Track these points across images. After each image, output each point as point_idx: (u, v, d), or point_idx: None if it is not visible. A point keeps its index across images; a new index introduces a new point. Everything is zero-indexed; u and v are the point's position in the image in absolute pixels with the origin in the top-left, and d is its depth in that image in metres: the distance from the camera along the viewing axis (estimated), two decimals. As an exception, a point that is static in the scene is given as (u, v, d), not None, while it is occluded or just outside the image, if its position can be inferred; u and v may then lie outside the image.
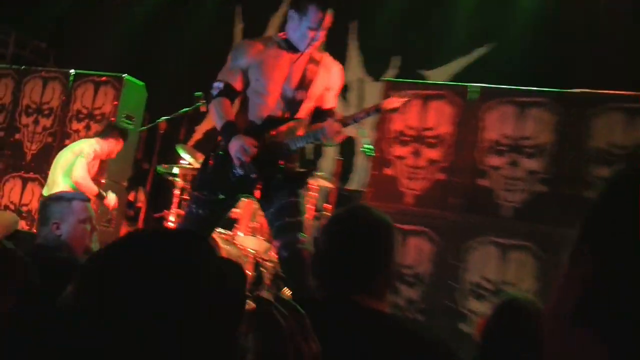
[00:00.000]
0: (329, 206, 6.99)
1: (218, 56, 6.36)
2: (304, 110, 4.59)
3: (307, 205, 7.25)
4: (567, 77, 7.18)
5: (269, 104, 4.50)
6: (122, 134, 7.59)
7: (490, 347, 2.45)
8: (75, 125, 8.62)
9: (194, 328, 1.05)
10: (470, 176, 6.20)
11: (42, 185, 8.00)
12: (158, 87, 10.51)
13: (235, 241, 7.26)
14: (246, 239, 7.13)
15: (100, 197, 7.24)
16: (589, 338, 0.84)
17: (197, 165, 7.12)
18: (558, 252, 5.06)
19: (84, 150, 7.20)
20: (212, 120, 4.62)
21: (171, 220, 7.59)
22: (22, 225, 7.95)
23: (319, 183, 7.32)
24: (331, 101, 4.69)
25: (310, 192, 7.51)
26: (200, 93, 7.26)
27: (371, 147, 6.73)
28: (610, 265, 0.84)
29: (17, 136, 8.91)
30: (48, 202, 3.82)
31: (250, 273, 7.12)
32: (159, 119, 7.79)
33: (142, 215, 8.13)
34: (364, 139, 6.84)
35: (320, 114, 4.60)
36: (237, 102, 4.64)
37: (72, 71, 8.80)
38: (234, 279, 1.14)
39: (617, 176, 0.92)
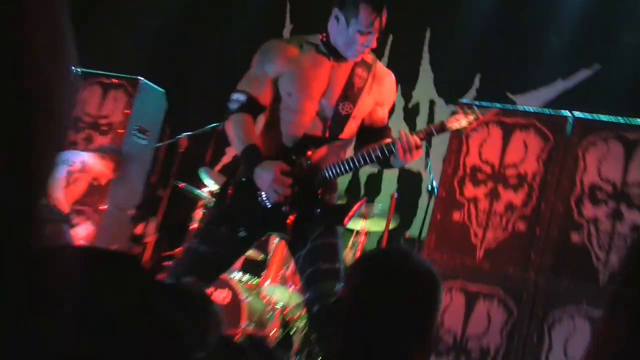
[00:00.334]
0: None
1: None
2: (350, 129, 4.53)
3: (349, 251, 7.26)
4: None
5: (303, 123, 4.44)
6: (118, 159, 7.53)
7: None
8: (72, 137, 8.56)
9: None
10: (560, 229, 6.08)
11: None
12: (182, 96, 10.63)
13: (260, 291, 7.24)
14: (274, 290, 7.10)
15: (65, 222, 7.05)
16: None
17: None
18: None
19: (69, 159, 7.12)
20: (230, 142, 4.55)
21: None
22: None
23: (368, 224, 7.27)
24: (385, 118, 4.66)
25: (358, 237, 7.46)
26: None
27: (435, 184, 6.69)
28: None
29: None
30: None
31: (275, 331, 7.07)
32: (180, 134, 7.83)
33: (148, 253, 8.15)
34: (429, 173, 6.81)
35: (370, 134, 4.55)
36: (261, 118, 4.60)
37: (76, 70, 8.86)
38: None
39: None
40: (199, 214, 7.80)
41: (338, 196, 4.67)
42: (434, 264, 6.17)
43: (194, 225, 7.72)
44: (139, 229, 10.05)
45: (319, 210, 4.38)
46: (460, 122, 4.29)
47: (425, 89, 9.86)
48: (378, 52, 10.12)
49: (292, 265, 6.97)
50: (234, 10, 11.14)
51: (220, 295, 7.18)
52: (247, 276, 7.62)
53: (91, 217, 8.14)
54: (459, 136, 6.36)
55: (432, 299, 2.14)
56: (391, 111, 4.88)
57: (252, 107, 4.46)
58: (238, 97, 4.47)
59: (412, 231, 8.33)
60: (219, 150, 9.66)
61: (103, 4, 11.80)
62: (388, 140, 4.35)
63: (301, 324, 7.09)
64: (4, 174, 0.94)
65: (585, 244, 5.99)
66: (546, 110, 6.69)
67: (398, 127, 4.92)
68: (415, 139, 4.18)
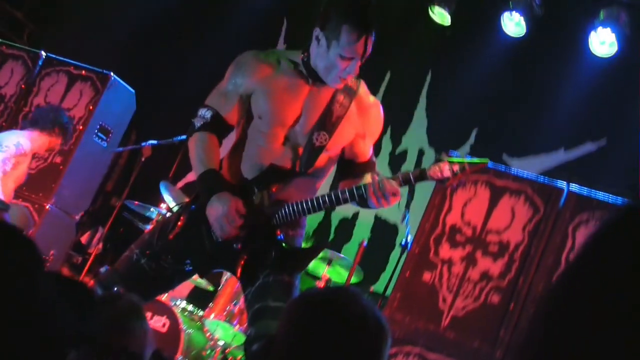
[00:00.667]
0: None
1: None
2: (323, 161, 4.38)
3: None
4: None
5: (272, 150, 4.31)
6: (60, 127, 7.28)
7: None
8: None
9: None
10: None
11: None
12: (154, 101, 10.60)
13: (203, 324, 7.19)
14: (218, 325, 7.04)
15: (3, 211, 6.88)
16: None
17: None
18: None
19: (2, 142, 6.93)
20: (190, 161, 4.40)
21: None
22: None
23: (331, 271, 7.24)
24: (368, 152, 4.47)
25: (317, 282, 7.42)
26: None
27: (410, 238, 6.66)
28: None
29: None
30: None
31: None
32: (145, 142, 7.79)
33: (88, 265, 8.07)
34: (406, 226, 6.77)
35: (351, 169, 4.44)
36: (231, 137, 4.51)
37: (42, 53, 8.76)
38: None
39: None
40: (150, 229, 7.74)
41: (305, 237, 4.58)
42: (394, 325, 6.12)
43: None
44: (84, 238, 9.96)
45: (273, 252, 4.27)
46: (444, 171, 4.00)
47: (416, 135, 9.87)
48: (373, 88, 10.15)
49: (241, 301, 6.91)
50: (225, 20, 11.15)
51: (159, 322, 7.10)
52: (191, 306, 7.56)
53: (32, 215, 8.04)
54: (443, 190, 6.34)
55: (376, 348, 2.09)
56: (377, 147, 4.77)
57: (217, 125, 4.35)
58: (204, 113, 4.36)
59: (378, 286, 8.29)
60: (184, 165, 9.60)
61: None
62: (362, 180, 4.23)
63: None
64: None
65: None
66: (541, 178, 6.68)
67: (381, 172, 4.82)
68: (391, 184, 4.00)
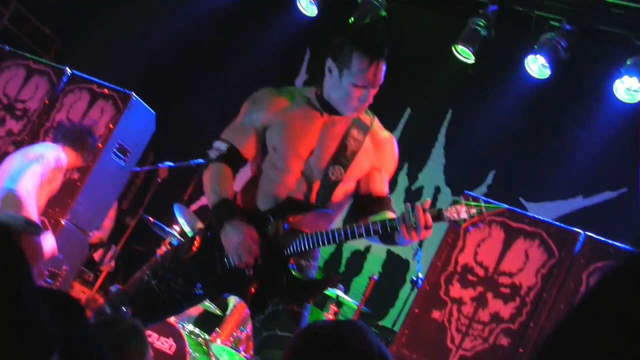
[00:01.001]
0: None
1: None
2: (339, 195, 4.37)
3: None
4: None
5: (287, 183, 4.30)
6: (89, 150, 7.28)
7: None
8: (51, 141, 8.46)
9: None
10: (546, 353, 5.98)
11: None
12: (173, 124, 10.63)
13: (209, 349, 7.16)
14: (223, 351, 7.01)
15: (34, 230, 6.82)
16: None
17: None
18: None
19: (44, 155, 6.95)
20: (205, 192, 4.40)
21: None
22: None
23: (339, 304, 7.20)
24: (384, 187, 4.42)
25: (326, 314, 7.38)
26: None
27: (422, 276, 6.62)
28: None
29: (-33, 133, 8.73)
30: None
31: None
32: (162, 163, 7.79)
33: (99, 281, 8.06)
34: (417, 262, 6.74)
35: (368, 205, 4.39)
36: (246, 172, 4.50)
37: (67, 70, 8.80)
38: None
39: None
40: (162, 251, 7.72)
41: (317, 267, 4.55)
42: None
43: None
44: (97, 255, 9.96)
45: (285, 281, 4.24)
46: (461, 213, 3.95)
47: (433, 173, 9.84)
48: (392, 124, 10.17)
49: (249, 328, 6.88)
50: (248, 48, 11.19)
51: (165, 344, 7.07)
52: (198, 330, 7.54)
53: (47, 228, 8.03)
54: (456, 229, 6.30)
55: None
56: (393, 183, 4.73)
57: (232, 158, 4.35)
58: (219, 145, 4.37)
59: (386, 322, 8.25)
60: (199, 188, 9.60)
61: (117, 7, 11.86)
62: (391, 214, 4.19)
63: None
64: None
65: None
66: (557, 223, 6.63)
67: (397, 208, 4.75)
68: (427, 217, 3.90)
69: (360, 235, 4.06)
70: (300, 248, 4.20)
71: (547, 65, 8.78)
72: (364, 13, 9.36)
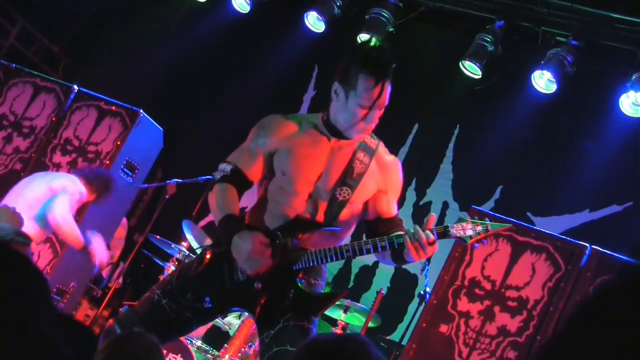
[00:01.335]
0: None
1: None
2: (347, 214, 4.42)
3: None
4: None
5: (295, 205, 4.36)
6: (106, 188, 7.48)
7: None
8: (58, 158, 8.56)
9: None
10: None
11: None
12: (181, 141, 10.68)
13: (217, 366, 7.18)
14: (232, 367, 7.03)
15: (23, 240, 6.96)
16: None
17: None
18: None
19: (68, 188, 7.13)
20: (211, 212, 4.45)
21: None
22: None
23: (348, 318, 7.22)
24: (392, 208, 4.50)
25: (334, 329, 7.40)
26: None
27: (429, 290, 6.64)
28: None
29: (-25, 151, 8.76)
30: None
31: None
32: (170, 180, 7.82)
33: (107, 299, 8.08)
34: (425, 277, 6.76)
35: (379, 226, 4.41)
36: (254, 196, 4.54)
37: (74, 87, 8.84)
38: None
39: None
40: (170, 268, 7.76)
41: (325, 285, 4.58)
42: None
43: (163, 277, 7.66)
44: (105, 272, 9.98)
45: (292, 294, 4.29)
46: (466, 230, 4.07)
47: (441, 188, 9.86)
48: (400, 140, 10.22)
49: (257, 343, 6.89)
50: (257, 65, 11.23)
51: (173, 361, 7.11)
52: (207, 346, 7.55)
53: (55, 246, 8.08)
54: (464, 244, 6.33)
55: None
56: (401, 199, 4.77)
57: (237, 179, 4.39)
58: (224, 167, 4.41)
59: (395, 337, 8.26)
60: (207, 205, 9.62)
61: (125, 25, 11.91)
62: (401, 233, 4.23)
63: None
64: None
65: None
66: (563, 237, 6.67)
67: (405, 223, 4.81)
68: (427, 234, 3.99)
69: (368, 251, 4.12)
70: (309, 263, 4.25)
71: (553, 80, 8.81)
72: (372, 29, 9.44)
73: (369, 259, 9.49)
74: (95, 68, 11.62)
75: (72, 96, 8.74)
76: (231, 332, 7.79)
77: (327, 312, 7.35)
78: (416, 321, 6.54)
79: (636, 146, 8.85)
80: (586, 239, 6.67)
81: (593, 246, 6.36)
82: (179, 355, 7.09)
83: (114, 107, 8.54)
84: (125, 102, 8.66)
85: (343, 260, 9.36)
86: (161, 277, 7.69)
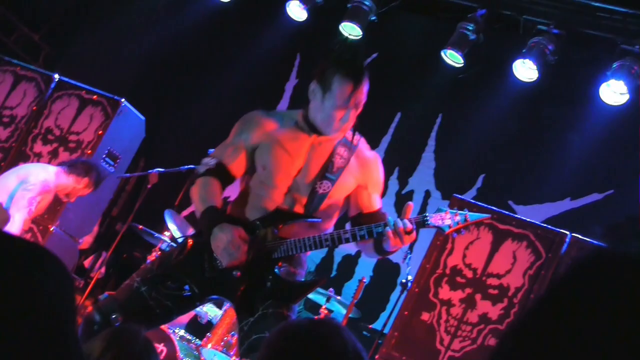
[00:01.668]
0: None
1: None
2: (326, 207, 4.49)
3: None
4: None
5: (275, 198, 4.44)
6: (95, 177, 7.48)
7: None
8: (39, 147, 8.57)
9: None
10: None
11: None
12: (164, 130, 10.67)
13: (200, 354, 7.19)
14: (214, 356, 7.04)
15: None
16: None
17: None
18: None
19: (29, 179, 7.12)
20: (193, 204, 4.53)
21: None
22: None
23: (330, 306, 7.24)
24: (373, 203, 4.55)
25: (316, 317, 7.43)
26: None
27: (411, 278, 6.68)
28: None
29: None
30: None
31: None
32: (152, 169, 7.82)
33: (89, 289, 8.07)
34: (407, 265, 6.81)
35: (363, 221, 4.42)
36: (235, 191, 4.60)
37: (55, 76, 8.83)
38: None
39: None
40: (152, 257, 7.77)
41: (306, 274, 4.63)
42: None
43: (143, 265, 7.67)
44: (87, 262, 9.98)
45: (269, 282, 4.34)
46: (445, 221, 4.16)
47: (423, 177, 9.90)
48: (382, 129, 10.24)
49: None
50: (239, 54, 11.22)
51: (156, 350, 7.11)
52: (189, 335, 7.56)
53: (36, 236, 8.08)
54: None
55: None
56: (383, 188, 4.80)
57: (220, 173, 4.47)
58: (208, 161, 4.49)
59: (377, 325, 8.29)
60: (189, 194, 9.62)
61: (107, 14, 11.87)
62: (384, 221, 4.26)
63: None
64: None
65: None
66: (544, 225, 6.72)
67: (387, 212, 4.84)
68: (404, 223, 4.04)
69: (347, 241, 4.22)
70: (288, 252, 4.32)
71: (534, 68, 8.85)
72: (354, 17, 9.44)
73: (351, 248, 9.52)
74: (77, 57, 11.58)
75: (52, 85, 8.73)
76: (213, 321, 7.82)
77: (311, 301, 7.39)
78: (398, 309, 6.58)
79: (617, 134, 8.92)
80: (568, 227, 6.72)
81: (573, 234, 6.42)
82: (162, 344, 7.10)
83: (95, 96, 8.54)
84: (106, 91, 8.65)
85: (325, 250, 9.49)
86: (142, 266, 7.70)
